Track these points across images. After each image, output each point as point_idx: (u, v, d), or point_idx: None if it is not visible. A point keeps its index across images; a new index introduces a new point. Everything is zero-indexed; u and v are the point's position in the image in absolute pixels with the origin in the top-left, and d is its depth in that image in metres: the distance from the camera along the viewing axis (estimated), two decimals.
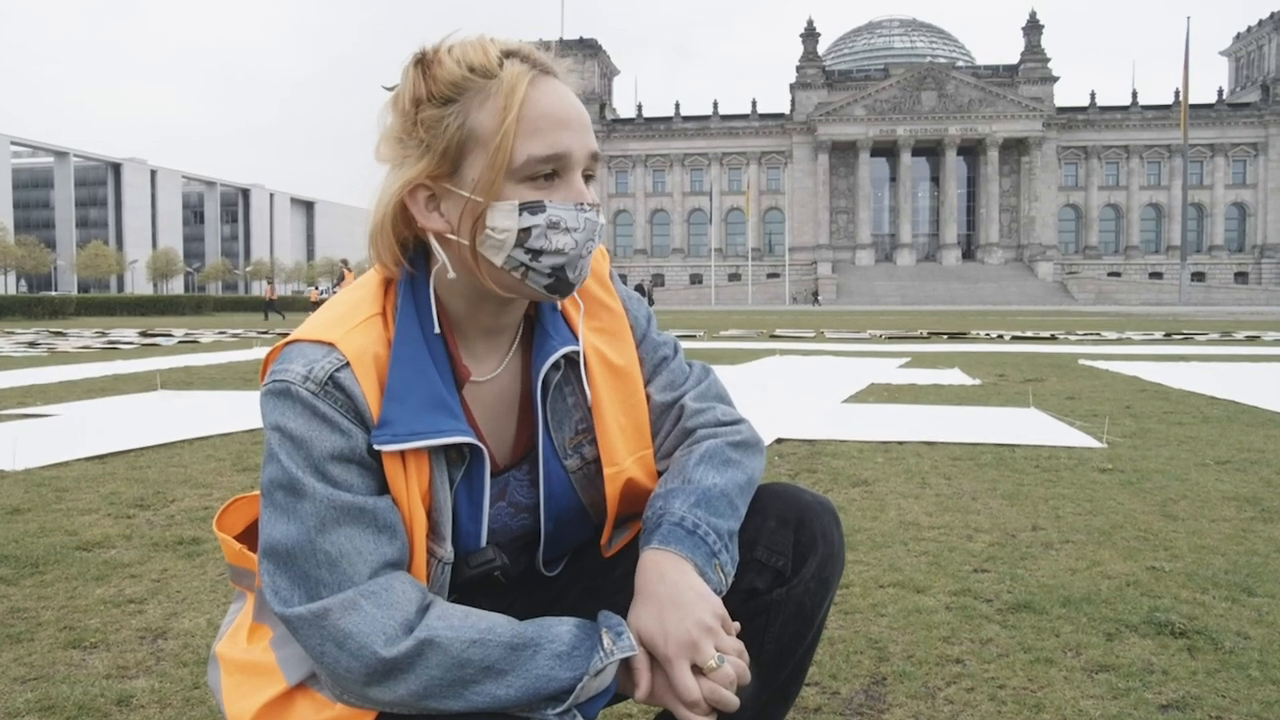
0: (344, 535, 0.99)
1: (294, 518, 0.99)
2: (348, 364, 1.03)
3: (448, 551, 1.09)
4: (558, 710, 0.98)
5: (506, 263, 1.05)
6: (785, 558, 1.17)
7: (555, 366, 1.16)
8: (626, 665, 1.02)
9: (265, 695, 1.05)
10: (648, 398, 1.24)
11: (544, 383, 1.15)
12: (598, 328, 1.21)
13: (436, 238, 1.07)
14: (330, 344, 1.04)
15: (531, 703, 0.98)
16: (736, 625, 1.06)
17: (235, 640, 1.14)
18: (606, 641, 1.00)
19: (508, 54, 1.06)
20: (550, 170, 1.04)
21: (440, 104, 1.04)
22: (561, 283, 1.07)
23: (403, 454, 1.04)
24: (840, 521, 1.24)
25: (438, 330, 1.09)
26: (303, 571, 0.99)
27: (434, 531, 1.08)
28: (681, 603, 1.03)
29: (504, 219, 1.03)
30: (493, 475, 1.14)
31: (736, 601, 1.14)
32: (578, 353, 1.17)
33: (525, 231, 1.03)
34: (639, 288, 52.73)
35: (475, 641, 0.98)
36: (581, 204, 1.06)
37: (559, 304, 1.19)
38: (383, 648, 0.96)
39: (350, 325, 1.06)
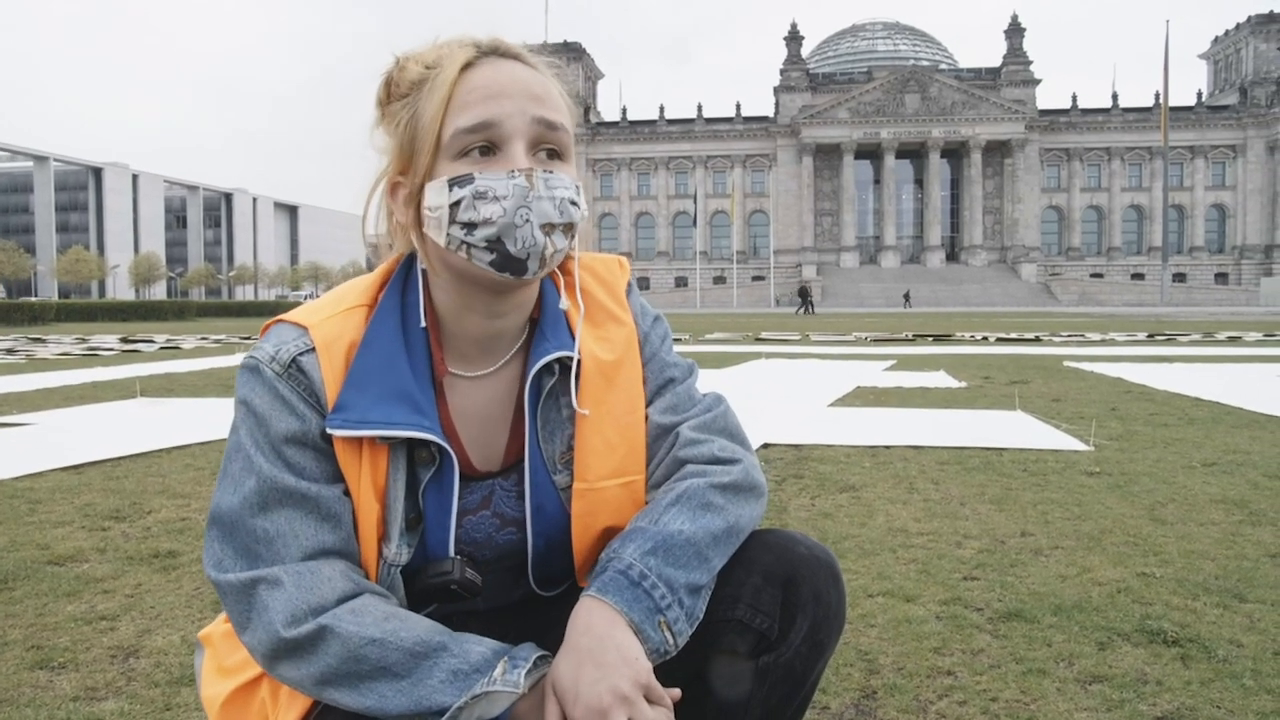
0: (283, 516, 1.01)
1: (240, 491, 1.01)
2: (313, 349, 1.04)
3: (394, 553, 1.06)
4: None
5: (449, 242, 1.03)
6: (771, 619, 1.07)
7: (550, 371, 1.11)
8: (539, 706, 0.96)
9: (238, 680, 1.07)
10: (646, 419, 1.15)
11: (537, 389, 1.11)
12: (601, 337, 1.15)
13: (411, 231, 1.08)
14: (304, 328, 1.06)
15: (415, 714, 0.95)
16: (676, 693, 0.98)
17: (219, 624, 1.16)
18: (499, 670, 0.95)
19: (464, 45, 1.06)
20: (484, 143, 1.02)
21: (399, 101, 1.06)
22: (503, 257, 1.01)
23: (359, 444, 1.03)
24: (840, 576, 1.12)
25: (423, 324, 1.08)
26: (242, 543, 1.01)
27: (384, 530, 1.05)
28: (602, 662, 0.94)
29: (436, 196, 1.02)
30: (475, 480, 1.11)
31: (720, 664, 1.07)
32: (573, 359, 1.11)
33: (455, 206, 1.01)
34: (801, 290, 47.89)
35: (374, 641, 0.96)
36: (513, 171, 1.01)
37: (564, 311, 1.14)
38: (283, 628, 0.97)
39: (330, 313, 1.08)
